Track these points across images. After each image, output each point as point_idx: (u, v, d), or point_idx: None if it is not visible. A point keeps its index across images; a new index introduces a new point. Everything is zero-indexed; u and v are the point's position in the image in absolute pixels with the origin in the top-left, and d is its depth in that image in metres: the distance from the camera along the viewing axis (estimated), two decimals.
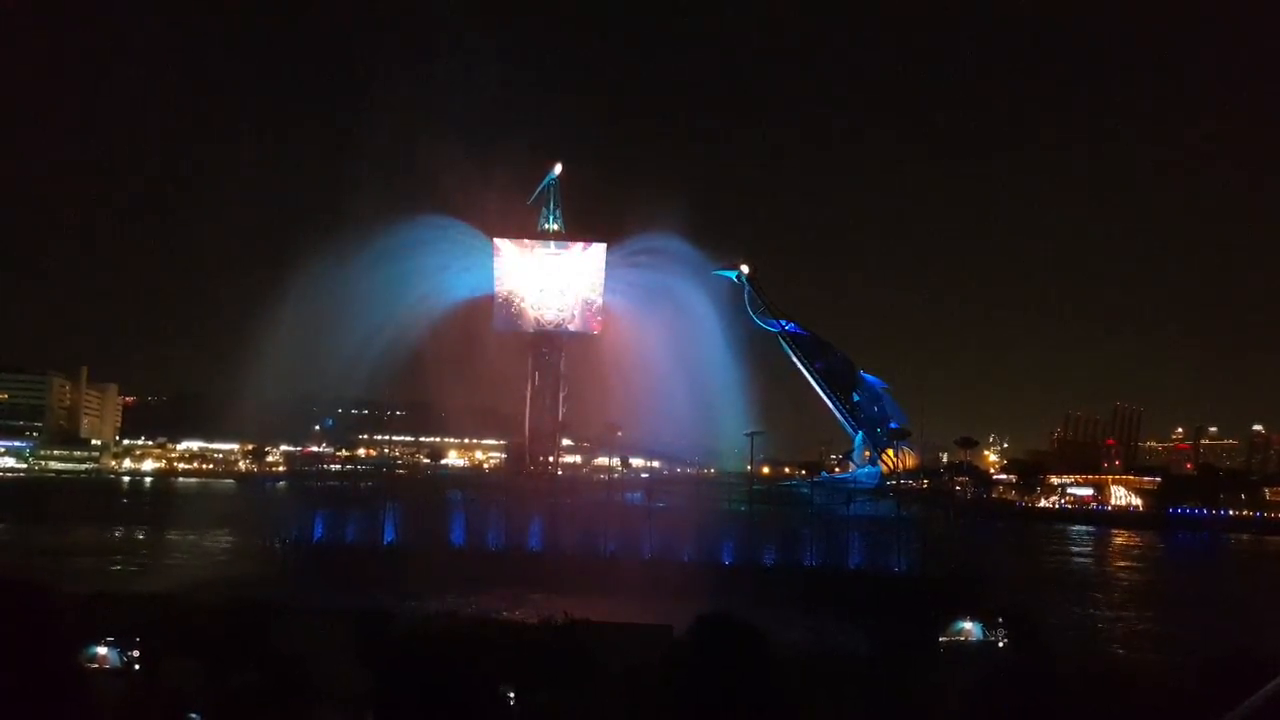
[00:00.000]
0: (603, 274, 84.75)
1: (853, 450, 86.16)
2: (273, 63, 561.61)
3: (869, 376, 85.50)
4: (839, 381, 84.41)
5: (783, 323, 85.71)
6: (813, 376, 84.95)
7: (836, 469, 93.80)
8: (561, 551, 66.16)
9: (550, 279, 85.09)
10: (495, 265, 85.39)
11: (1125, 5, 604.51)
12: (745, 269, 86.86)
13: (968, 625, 27.99)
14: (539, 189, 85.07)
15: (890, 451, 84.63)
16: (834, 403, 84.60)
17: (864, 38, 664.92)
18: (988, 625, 27.50)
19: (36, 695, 3.81)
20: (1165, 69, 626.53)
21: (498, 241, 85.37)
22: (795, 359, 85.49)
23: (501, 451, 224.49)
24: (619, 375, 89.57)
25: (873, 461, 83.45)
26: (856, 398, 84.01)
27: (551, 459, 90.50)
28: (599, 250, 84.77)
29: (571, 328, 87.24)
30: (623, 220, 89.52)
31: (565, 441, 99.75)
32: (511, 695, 18.06)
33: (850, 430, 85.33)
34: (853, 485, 78.86)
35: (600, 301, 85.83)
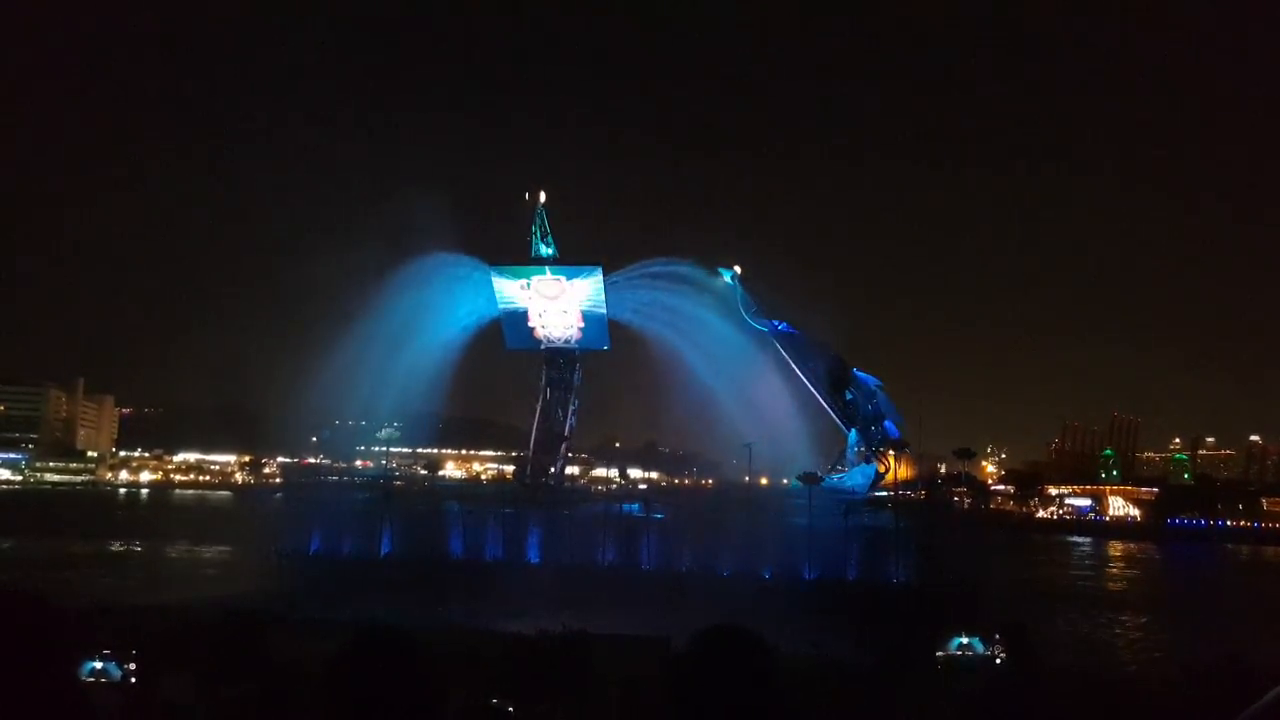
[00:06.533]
0: (603, 292, 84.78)
1: (846, 449, 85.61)
2: (268, 84, 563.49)
3: (862, 374, 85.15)
4: (832, 380, 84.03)
5: (775, 323, 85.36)
6: (805, 376, 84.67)
7: (833, 472, 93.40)
8: (560, 562, 66.09)
9: (553, 302, 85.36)
10: (496, 292, 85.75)
11: (1126, 8, 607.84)
12: (737, 269, 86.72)
13: (965, 640, 27.92)
14: (532, 217, 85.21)
15: (890, 452, 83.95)
16: (827, 401, 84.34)
17: (862, 37, 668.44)
18: (986, 639, 27.42)
19: (35, 710, 3.81)
20: (1164, 78, 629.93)
21: (495, 270, 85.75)
22: (788, 358, 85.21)
23: (498, 463, 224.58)
24: (619, 390, 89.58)
25: (867, 459, 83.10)
26: (850, 395, 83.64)
27: (552, 470, 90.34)
28: (595, 272, 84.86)
29: (580, 344, 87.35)
30: (623, 236, 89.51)
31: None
32: (511, 708, 18.03)
33: (844, 429, 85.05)
34: (849, 489, 78.68)
35: (606, 316, 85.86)
